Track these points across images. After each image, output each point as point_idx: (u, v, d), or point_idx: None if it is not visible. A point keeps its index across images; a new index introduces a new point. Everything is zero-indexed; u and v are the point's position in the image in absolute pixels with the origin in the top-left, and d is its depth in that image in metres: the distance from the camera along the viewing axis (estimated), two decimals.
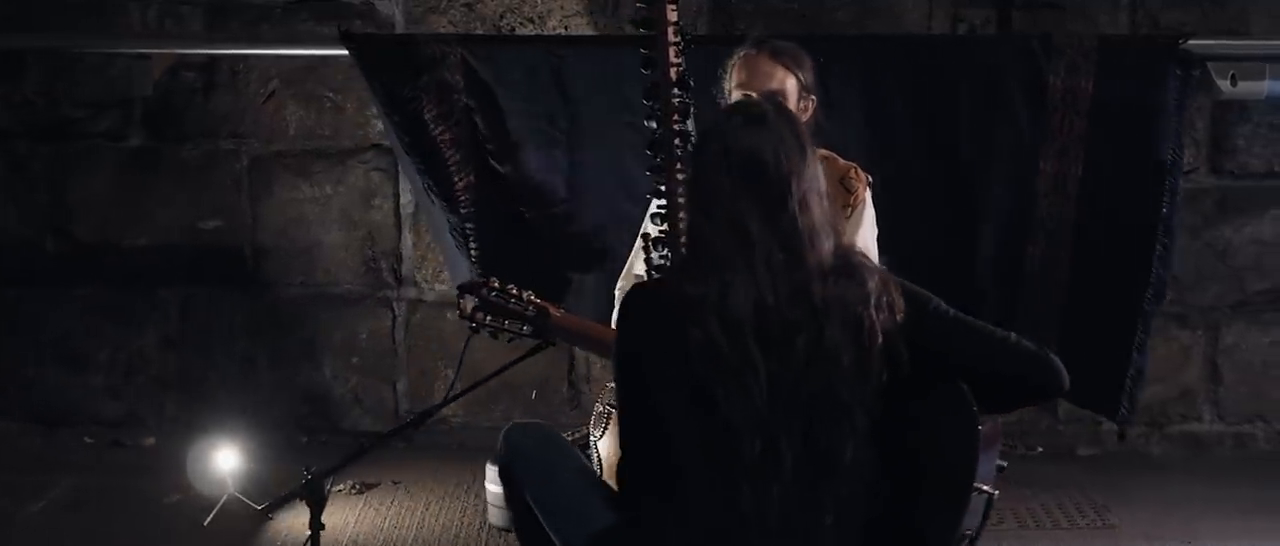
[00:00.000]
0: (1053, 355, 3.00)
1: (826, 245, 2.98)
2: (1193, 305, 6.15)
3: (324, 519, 3.65)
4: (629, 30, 4.65)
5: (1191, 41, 5.21)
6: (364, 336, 6.25)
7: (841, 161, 4.45)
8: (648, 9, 4.09)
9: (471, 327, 3.83)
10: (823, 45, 4.86)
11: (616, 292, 4.58)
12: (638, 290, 3.21)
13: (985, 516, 3.14)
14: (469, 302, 3.77)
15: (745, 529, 2.90)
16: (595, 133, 5.33)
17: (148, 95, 5.91)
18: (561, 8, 5.91)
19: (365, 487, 5.55)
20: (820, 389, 2.90)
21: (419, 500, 5.48)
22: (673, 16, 4.06)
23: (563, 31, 5.86)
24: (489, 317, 3.81)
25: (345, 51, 5.25)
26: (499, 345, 6.14)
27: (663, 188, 4.06)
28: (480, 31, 5.84)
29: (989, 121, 5.28)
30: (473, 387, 4.06)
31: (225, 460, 5.14)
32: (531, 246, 5.34)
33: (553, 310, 3.84)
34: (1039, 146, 5.25)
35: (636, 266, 4.52)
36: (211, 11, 5.99)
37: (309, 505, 3.72)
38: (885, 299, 2.95)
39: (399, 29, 5.89)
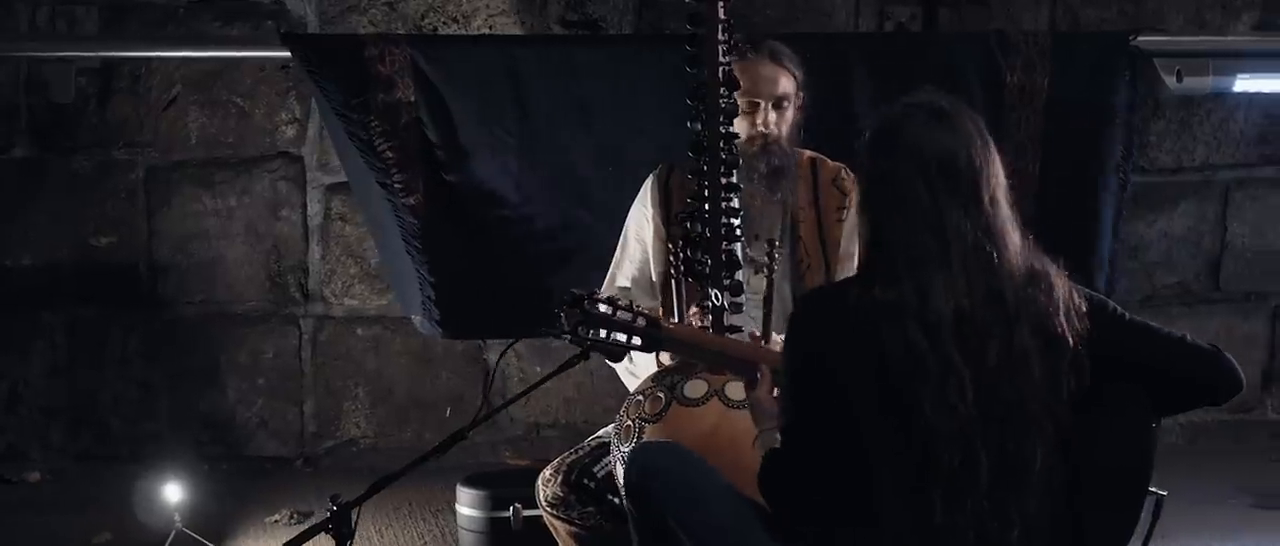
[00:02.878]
0: (1227, 354, 2.90)
1: (1016, 245, 2.83)
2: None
3: None
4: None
5: (1141, 37, 5.26)
6: (270, 356, 5.91)
7: (831, 162, 4.31)
8: (697, 4, 3.87)
9: (572, 342, 3.57)
10: (789, 45, 4.74)
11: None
12: (814, 295, 3.01)
13: (1156, 517, 3.04)
14: (570, 317, 3.51)
15: (939, 543, 2.74)
16: (547, 136, 5.12)
17: (67, 102, 5.47)
18: (487, 7, 5.66)
19: (303, 516, 5.22)
20: (1012, 397, 2.75)
21: (370, 527, 5.17)
22: (722, 13, 3.84)
23: (488, 31, 5.62)
24: (592, 331, 3.56)
25: (257, 53, 4.98)
26: (414, 363, 5.99)
27: (707, 190, 3.84)
28: (401, 31, 5.56)
29: None
30: (507, 402, 3.79)
31: (172, 493, 4.77)
32: (481, 252, 5.13)
33: (663, 320, 3.60)
34: (998, 144, 5.19)
35: (620, 277, 4.31)
36: (109, 12, 5.60)
37: (334, 538, 3.52)
38: (1072, 303, 2.82)
39: (312, 28, 5.57)
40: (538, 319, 5.22)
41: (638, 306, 3.52)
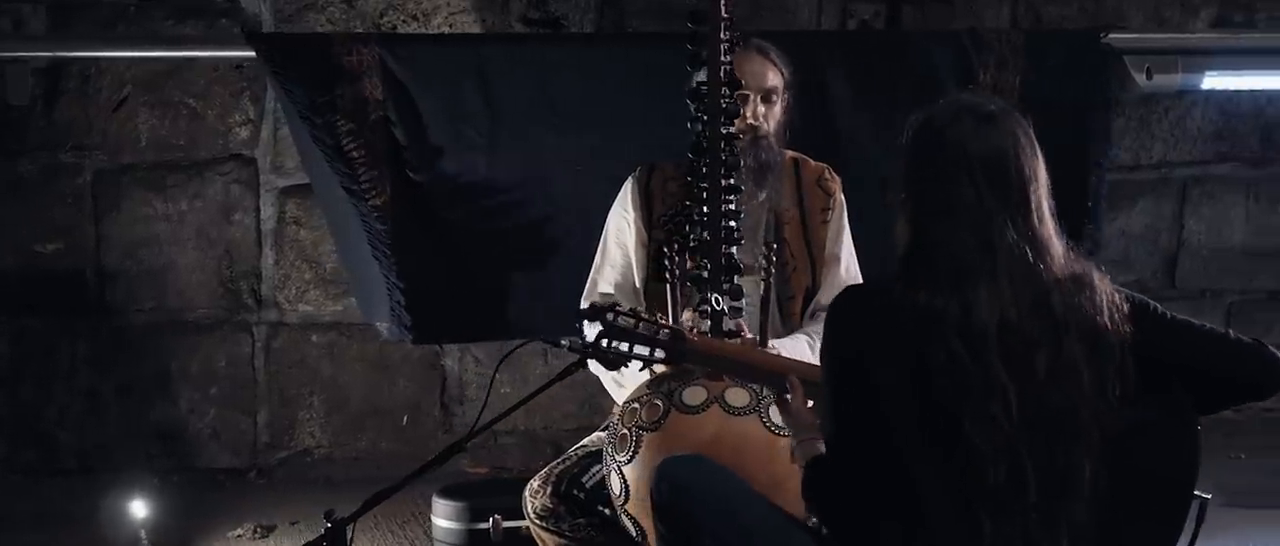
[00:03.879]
0: (1270, 347, 2.84)
1: (1059, 252, 2.75)
2: None
3: None
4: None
5: (1112, 36, 5.25)
6: (222, 364, 5.74)
7: (813, 162, 4.23)
8: (699, 3, 3.76)
9: (591, 355, 3.45)
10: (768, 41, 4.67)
11: (583, 307, 4.23)
12: (852, 295, 2.88)
13: (1200, 521, 2.98)
14: (592, 329, 3.39)
15: None
16: (515, 135, 5.02)
17: (24, 105, 5.27)
18: (447, 4, 5.53)
19: (266, 530, 5.06)
20: (1061, 406, 2.67)
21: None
22: (725, 11, 3.73)
23: (448, 29, 5.48)
24: (614, 344, 3.43)
25: (212, 52, 4.84)
26: (370, 370, 5.84)
27: (705, 193, 3.73)
28: (360, 30, 5.41)
29: None
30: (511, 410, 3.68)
31: (138, 508, 4.61)
32: (450, 255, 5.04)
33: (687, 334, 3.48)
34: None
35: (602, 283, 4.20)
36: (56, 11, 5.41)
37: None
38: (1116, 306, 2.74)
39: (267, 27, 5.41)
40: (510, 322, 5.17)
41: (660, 319, 3.41)
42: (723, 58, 3.71)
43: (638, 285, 4.15)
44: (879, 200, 5.14)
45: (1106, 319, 2.71)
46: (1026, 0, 5.94)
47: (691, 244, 3.76)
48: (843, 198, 4.21)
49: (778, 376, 3.14)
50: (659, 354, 3.33)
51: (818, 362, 2.94)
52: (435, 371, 5.90)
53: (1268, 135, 6.29)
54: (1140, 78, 5.36)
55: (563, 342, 3.72)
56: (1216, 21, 6.08)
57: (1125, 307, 2.75)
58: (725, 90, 3.72)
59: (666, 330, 3.32)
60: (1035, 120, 4.99)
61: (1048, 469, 2.66)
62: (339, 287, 5.71)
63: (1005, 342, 2.65)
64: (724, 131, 3.71)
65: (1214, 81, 5.48)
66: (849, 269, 4.23)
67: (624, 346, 3.32)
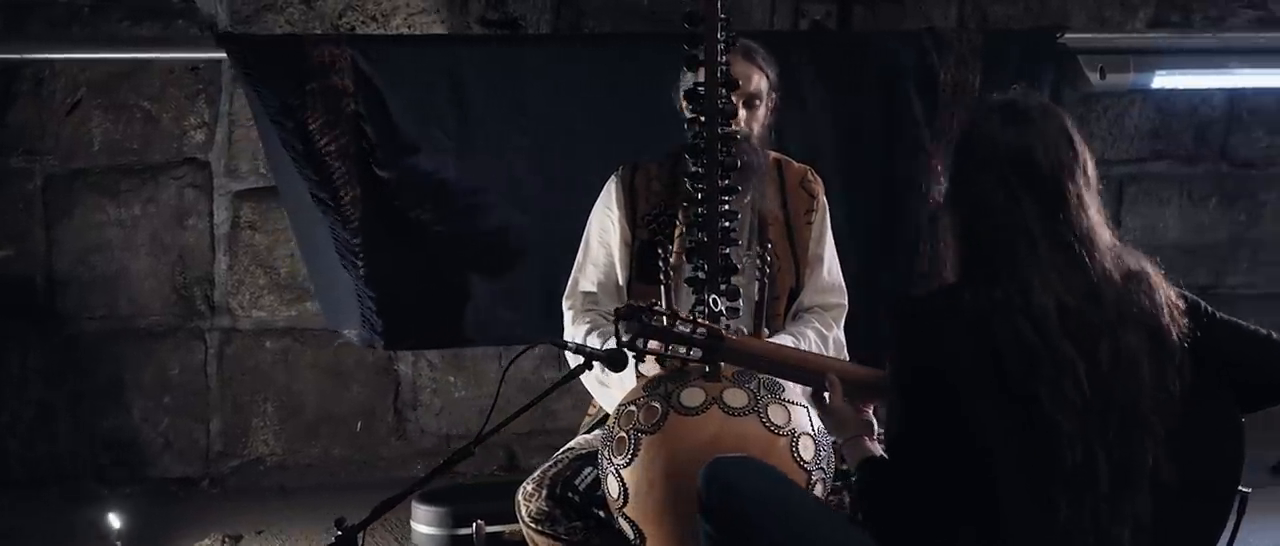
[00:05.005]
0: None
1: (1106, 244, 2.79)
2: None
3: None
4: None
5: (1068, 36, 5.33)
6: (176, 372, 5.64)
7: (796, 164, 4.25)
8: (695, 3, 3.75)
9: (633, 354, 3.42)
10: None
11: (565, 307, 4.22)
12: (912, 303, 2.91)
13: (1241, 514, 3.03)
14: (629, 329, 3.36)
15: (1063, 544, 2.68)
16: (484, 137, 5.01)
17: None
18: (407, 5, 5.46)
19: (233, 540, 5.00)
20: (1124, 399, 2.71)
21: None
22: (722, 11, 3.72)
23: (406, 31, 5.42)
24: (649, 344, 3.42)
25: (170, 54, 4.76)
26: (324, 376, 5.76)
27: (701, 194, 3.72)
28: (319, 31, 5.34)
29: (888, 117, 5.25)
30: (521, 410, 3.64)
31: (115, 520, 4.52)
32: (420, 258, 5.02)
33: (725, 333, 3.47)
34: (932, 142, 5.24)
35: (584, 282, 4.19)
36: (8, 11, 5.27)
37: None
38: (1175, 305, 2.78)
39: (224, 28, 5.30)
40: (482, 327, 5.14)
41: (698, 318, 3.40)
42: (720, 59, 3.70)
43: (621, 284, 4.14)
44: (844, 196, 5.25)
45: (1166, 315, 2.75)
46: (973, 1, 5.99)
47: (689, 245, 3.76)
48: (825, 199, 4.24)
49: (816, 375, 3.16)
50: (695, 353, 3.33)
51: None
52: (389, 376, 5.85)
53: (1201, 133, 6.40)
54: (1094, 77, 5.45)
55: (571, 345, 3.71)
56: (1154, 21, 6.17)
57: (1181, 304, 2.80)
58: (722, 91, 3.71)
59: (703, 329, 3.31)
60: None
61: (1115, 458, 2.70)
62: (293, 293, 5.64)
63: (1067, 324, 2.69)
64: (722, 132, 3.71)
65: (1163, 80, 5.57)
66: (831, 270, 4.25)
67: (663, 346, 3.33)
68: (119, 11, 5.28)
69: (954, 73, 5.23)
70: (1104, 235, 2.79)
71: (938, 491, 2.74)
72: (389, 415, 5.85)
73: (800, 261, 4.09)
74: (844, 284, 4.26)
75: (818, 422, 3.59)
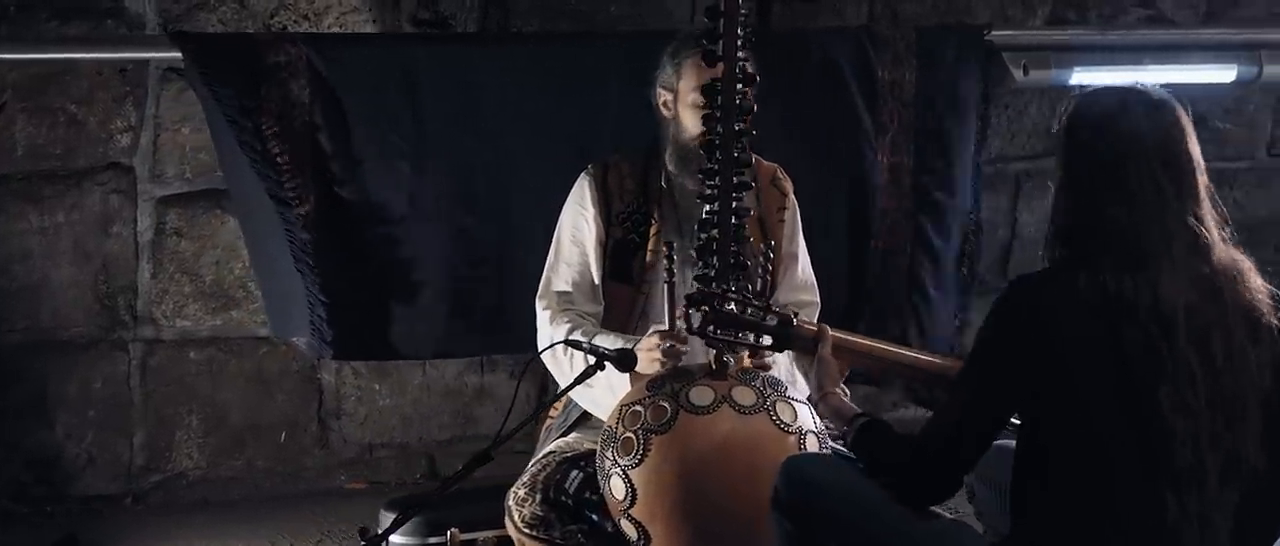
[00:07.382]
0: None
1: (1219, 239, 2.86)
2: None
3: None
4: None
5: (995, 32, 5.44)
6: (98, 385, 5.44)
7: (766, 162, 4.27)
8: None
9: (707, 344, 3.40)
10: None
11: (539, 307, 4.19)
12: (1027, 286, 2.90)
13: None
14: (698, 317, 3.34)
15: (1171, 541, 2.73)
16: (440, 142, 4.96)
17: None
18: (339, 4, 5.34)
19: None
20: (1233, 393, 2.77)
21: None
22: (743, 7, 3.71)
23: (338, 31, 5.31)
24: (720, 331, 3.40)
25: (101, 55, 4.65)
26: (249, 385, 5.62)
27: (713, 191, 3.72)
28: (251, 30, 5.21)
29: (832, 115, 5.31)
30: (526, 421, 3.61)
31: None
32: (373, 268, 4.97)
33: (796, 318, 3.46)
34: (876, 139, 5.31)
35: (558, 282, 4.16)
36: None
37: None
38: (1272, 296, 2.86)
39: (151, 28, 5.14)
40: (436, 339, 5.08)
41: (769, 303, 3.41)
42: (738, 54, 3.70)
43: (596, 283, 4.13)
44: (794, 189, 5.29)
45: (1264, 307, 2.82)
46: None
47: (699, 241, 3.75)
48: (794, 198, 4.27)
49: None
50: (766, 340, 3.33)
51: None
52: (312, 385, 5.73)
53: None
54: (1018, 73, 5.57)
55: (584, 345, 3.68)
56: (1052, 19, 6.28)
57: (1273, 298, 2.88)
58: (741, 87, 3.71)
59: (774, 315, 3.32)
60: (928, 114, 5.29)
61: (1221, 454, 2.76)
62: (218, 301, 5.49)
63: (1190, 326, 2.75)
64: (738, 128, 3.71)
65: (1082, 77, 5.69)
66: (804, 267, 4.30)
67: (734, 333, 3.32)
68: (46, 11, 5.06)
69: (890, 70, 5.31)
70: (1217, 229, 2.86)
71: (1037, 482, 2.79)
72: (312, 425, 5.73)
73: (774, 258, 4.11)
74: (815, 281, 4.30)
75: (820, 421, 3.63)
